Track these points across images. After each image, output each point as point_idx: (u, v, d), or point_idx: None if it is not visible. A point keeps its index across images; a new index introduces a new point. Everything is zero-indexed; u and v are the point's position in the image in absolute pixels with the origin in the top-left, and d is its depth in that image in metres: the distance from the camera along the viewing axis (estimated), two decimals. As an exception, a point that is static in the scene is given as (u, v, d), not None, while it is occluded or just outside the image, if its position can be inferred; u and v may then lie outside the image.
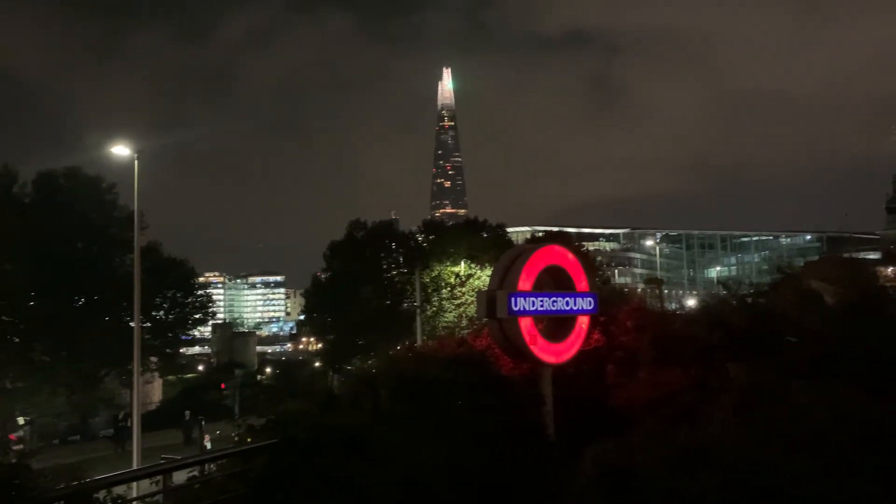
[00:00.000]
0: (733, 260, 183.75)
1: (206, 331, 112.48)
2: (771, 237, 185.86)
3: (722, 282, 31.51)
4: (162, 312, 64.73)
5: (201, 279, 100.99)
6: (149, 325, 59.79)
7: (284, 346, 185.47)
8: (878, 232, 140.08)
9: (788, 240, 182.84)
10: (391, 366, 21.96)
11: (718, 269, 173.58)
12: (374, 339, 59.82)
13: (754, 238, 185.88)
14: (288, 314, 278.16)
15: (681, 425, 15.28)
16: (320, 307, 73.79)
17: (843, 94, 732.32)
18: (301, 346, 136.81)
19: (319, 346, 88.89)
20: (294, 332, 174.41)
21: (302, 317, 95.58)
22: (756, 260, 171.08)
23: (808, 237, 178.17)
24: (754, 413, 15.03)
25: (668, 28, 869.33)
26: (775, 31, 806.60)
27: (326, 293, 70.50)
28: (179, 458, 15.37)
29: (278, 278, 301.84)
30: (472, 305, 49.50)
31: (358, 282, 64.77)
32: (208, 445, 44.96)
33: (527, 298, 22.00)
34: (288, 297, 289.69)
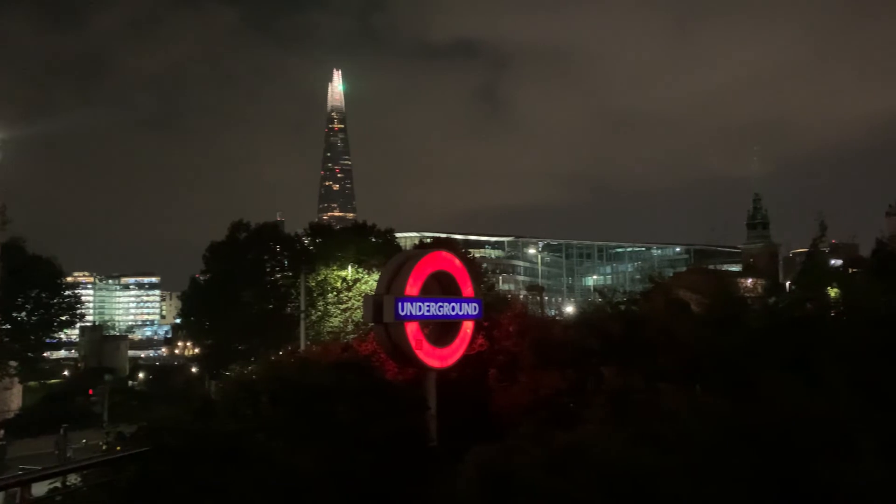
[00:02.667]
0: (609, 269, 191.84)
1: (73, 334, 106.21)
2: (644, 248, 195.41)
3: (598, 290, 32.80)
4: (24, 314, 60.50)
5: (69, 279, 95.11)
6: (8, 326, 55.76)
7: (159, 351, 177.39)
8: (740, 246, 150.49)
9: (660, 251, 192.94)
10: (272, 371, 21.50)
11: (595, 277, 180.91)
12: (255, 345, 58.30)
13: (628, 249, 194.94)
14: (163, 317, 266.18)
15: (558, 427, 15.79)
16: (198, 310, 70.99)
17: (713, 115, 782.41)
18: (177, 351, 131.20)
19: (197, 351, 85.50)
20: (170, 336, 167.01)
21: (178, 320, 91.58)
22: (630, 270, 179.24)
23: (678, 249, 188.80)
24: (626, 415, 15.75)
25: (553, 45, 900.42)
26: (652, 54, 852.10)
27: (205, 296, 67.91)
28: (39, 468, 14.41)
29: (153, 279, 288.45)
30: (358, 310, 49.12)
31: (239, 285, 62.81)
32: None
33: (414, 303, 22.13)
34: (163, 300, 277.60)
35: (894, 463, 13.68)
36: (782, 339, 20.82)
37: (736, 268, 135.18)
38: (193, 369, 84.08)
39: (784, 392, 15.56)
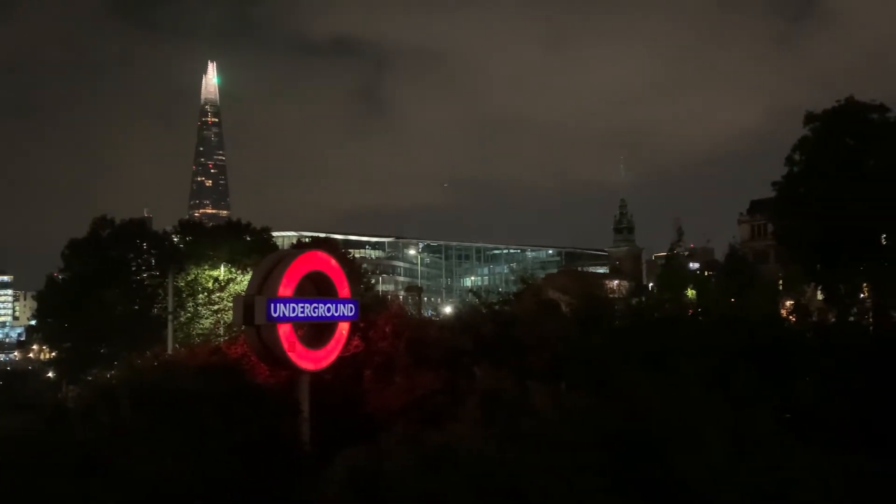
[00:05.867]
0: (486, 270, 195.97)
1: None
2: (518, 250, 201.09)
3: (473, 290, 33.47)
4: None
5: None
6: None
7: (11, 355, 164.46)
8: (607, 249, 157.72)
9: (533, 253, 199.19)
10: (134, 376, 20.48)
11: (473, 278, 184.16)
12: (118, 348, 55.21)
13: (504, 251, 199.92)
14: (16, 319, 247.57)
15: (430, 427, 15.95)
16: (56, 311, 66.40)
17: (584, 124, 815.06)
18: (32, 355, 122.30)
19: (54, 354, 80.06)
20: (23, 338, 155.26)
21: (34, 322, 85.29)
22: (506, 271, 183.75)
23: (550, 252, 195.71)
24: (496, 414, 16.12)
25: (434, 49, 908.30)
26: (528, 64, 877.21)
27: (64, 296, 63.58)
28: None
29: (5, 278, 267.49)
30: (230, 311, 47.62)
31: (102, 284, 59.26)
32: None
33: (287, 304, 21.67)
34: (17, 300, 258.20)
35: (739, 453, 14.80)
36: (642, 338, 22.07)
37: (603, 269, 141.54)
38: (50, 374, 78.70)
39: (642, 389, 16.47)
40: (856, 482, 15.94)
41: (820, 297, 44.88)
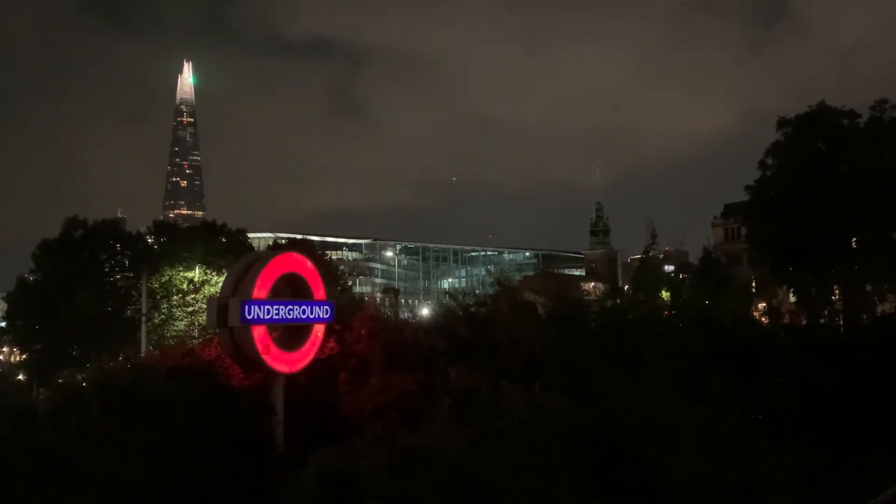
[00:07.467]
0: (464, 272, 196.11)
1: None
2: (496, 252, 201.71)
3: (449, 292, 33.40)
4: None
5: None
6: None
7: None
8: (584, 251, 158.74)
9: (511, 255, 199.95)
10: (104, 378, 20.17)
11: (451, 280, 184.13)
12: (91, 350, 54.48)
13: (482, 253, 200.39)
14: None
15: (406, 428, 15.93)
16: (26, 313, 65.40)
17: (561, 126, 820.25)
18: (1, 357, 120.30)
19: (24, 356, 78.76)
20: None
21: (3, 324, 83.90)
22: (483, 273, 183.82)
23: (527, 254, 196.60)
24: (470, 414, 16.14)
25: (410, 50, 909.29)
26: (506, 65, 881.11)
27: (35, 297, 62.67)
28: None
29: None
30: (205, 313, 47.19)
31: (74, 285, 58.45)
32: None
33: (261, 307, 21.50)
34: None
35: (711, 453, 14.94)
36: (617, 340, 22.21)
37: (579, 272, 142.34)
38: (20, 377, 77.46)
39: (616, 390, 16.57)
40: (824, 481, 16.17)
41: (792, 299, 45.50)
